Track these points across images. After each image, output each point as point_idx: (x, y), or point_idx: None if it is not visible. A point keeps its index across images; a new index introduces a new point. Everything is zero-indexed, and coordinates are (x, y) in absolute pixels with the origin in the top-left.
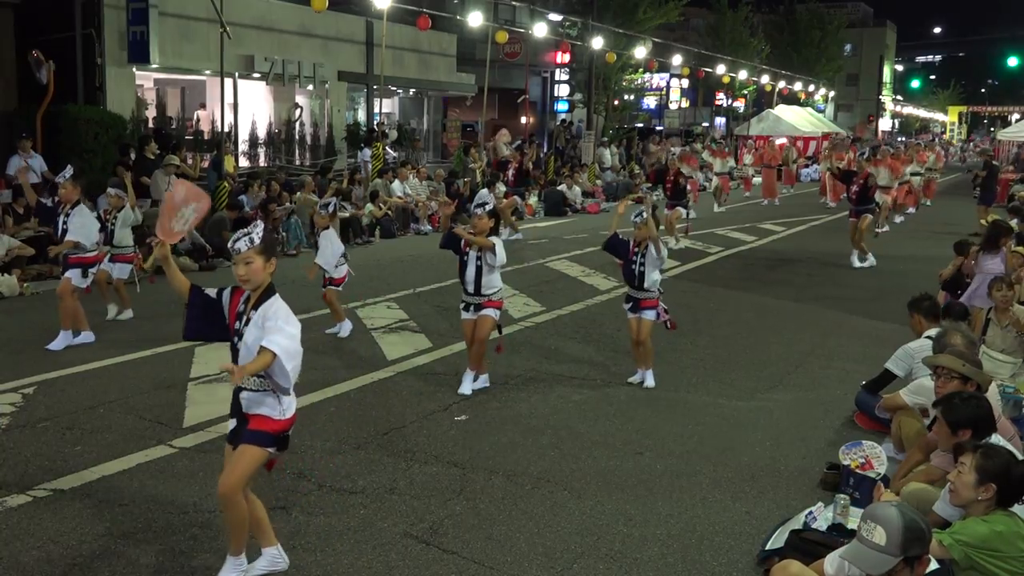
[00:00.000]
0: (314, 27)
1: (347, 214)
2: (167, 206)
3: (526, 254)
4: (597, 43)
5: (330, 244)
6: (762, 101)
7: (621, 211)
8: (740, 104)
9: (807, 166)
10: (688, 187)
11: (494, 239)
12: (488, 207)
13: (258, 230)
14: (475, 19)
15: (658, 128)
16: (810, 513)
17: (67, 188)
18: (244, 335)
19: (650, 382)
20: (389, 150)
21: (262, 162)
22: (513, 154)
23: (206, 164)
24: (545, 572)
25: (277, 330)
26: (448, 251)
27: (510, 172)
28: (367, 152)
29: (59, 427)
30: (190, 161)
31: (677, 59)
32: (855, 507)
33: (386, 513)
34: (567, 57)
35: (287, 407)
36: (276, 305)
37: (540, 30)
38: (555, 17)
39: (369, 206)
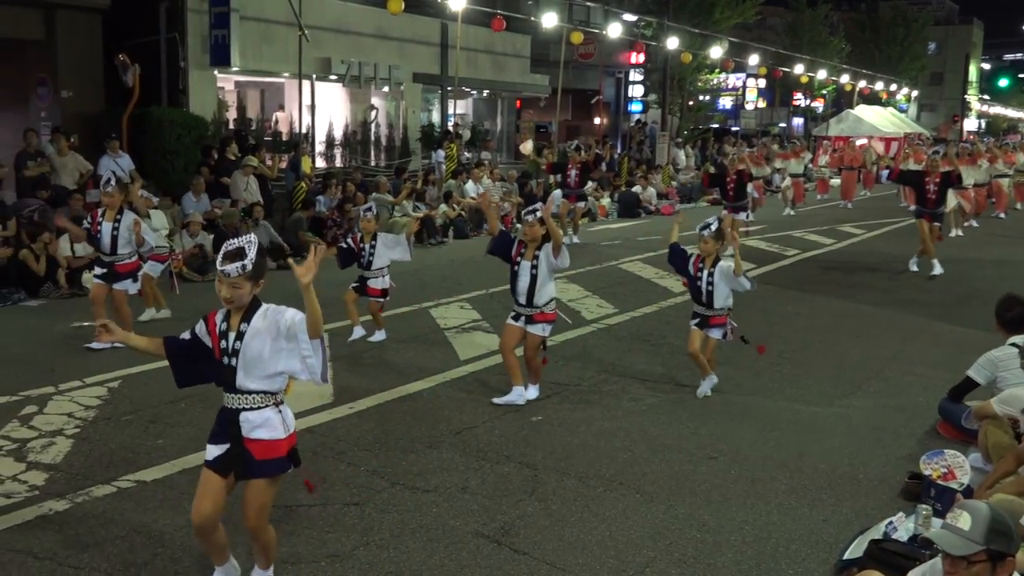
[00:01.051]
0: (390, 29)
1: (421, 214)
2: None
3: (597, 255)
4: (672, 43)
5: (398, 246)
6: (841, 101)
7: (674, 236)
8: (819, 104)
9: (888, 167)
10: (753, 190)
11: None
12: (539, 215)
13: (251, 255)
14: (549, 20)
15: (734, 128)
16: (890, 523)
17: (113, 196)
18: (241, 349)
19: (705, 389)
20: (467, 153)
21: (338, 163)
22: (573, 155)
23: (284, 165)
24: None
25: (294, 312)
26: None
27: (572, 173)
28: (441, 153)
29: (142, 420)
30: (269, 162)
31: (754, 59)
32: (936, 518)
33: (458, 512)
34: (641, 57)
35: (290, 419)
36: (271, 307)
37: (614, 30)
38: (629, 17)
39: (443, 206)
